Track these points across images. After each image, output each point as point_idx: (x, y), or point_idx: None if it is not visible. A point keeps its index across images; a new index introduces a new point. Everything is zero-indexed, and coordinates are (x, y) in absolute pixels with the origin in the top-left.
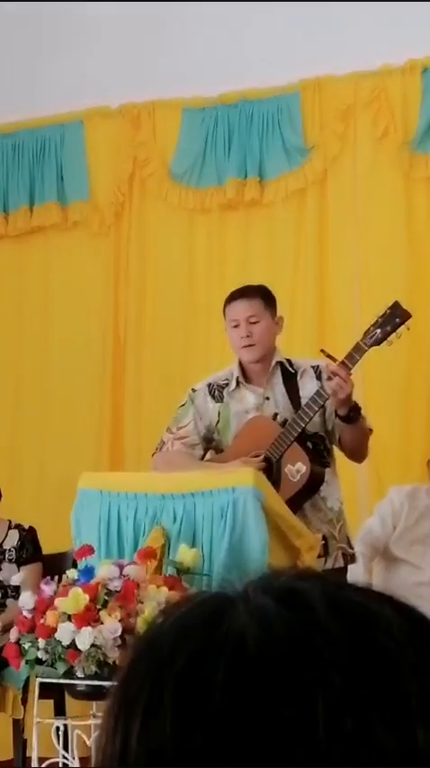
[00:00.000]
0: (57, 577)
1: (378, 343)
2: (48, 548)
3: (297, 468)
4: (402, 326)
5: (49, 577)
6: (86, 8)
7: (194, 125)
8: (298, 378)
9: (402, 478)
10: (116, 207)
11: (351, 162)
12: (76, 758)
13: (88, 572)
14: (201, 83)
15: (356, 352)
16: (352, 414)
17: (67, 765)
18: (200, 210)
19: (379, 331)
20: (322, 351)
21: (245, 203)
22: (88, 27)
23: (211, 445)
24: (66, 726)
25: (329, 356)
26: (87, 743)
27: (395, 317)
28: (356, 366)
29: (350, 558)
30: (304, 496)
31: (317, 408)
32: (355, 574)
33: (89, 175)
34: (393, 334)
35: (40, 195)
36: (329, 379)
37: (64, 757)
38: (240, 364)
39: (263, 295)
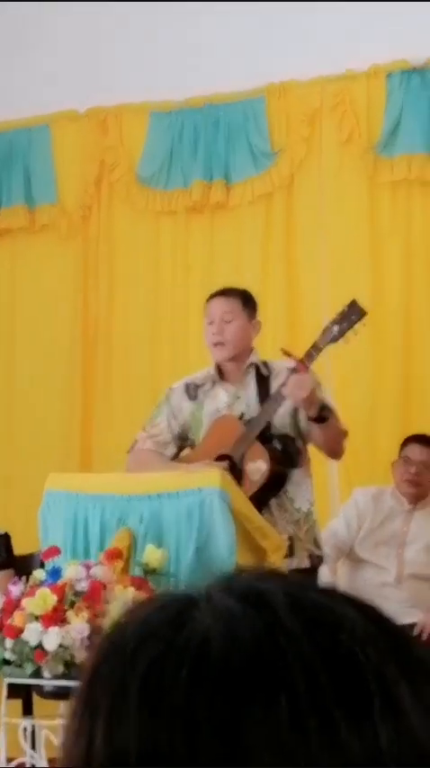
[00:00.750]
0: (24, 578)
1: (335, 340)
2: (16, 549)
3: (257, 467)
4: (358, 323)
5: (16, 578)
6: (53, 11)
7: (161, 129)
8: (271, 379)
9: (369, 480)
10: (84, 210)
11: (316, 166)
12: (44, 758)
13: (55, 573)
14: (167, 87)
15: (314, 350)
16: (322, 413)
17: (35, 765)
18: (166, 213)
19: (336, 328)
20: (282, 349)
21: (210, 206)
22: (55, 30)
23: (187, 443)
24: (33, 726)
25: (288, 354)
26: (55, 743)
27: (352, 315)
28: (313, 363)
29: (317, 560)
30: (266, 494)
31: (276, 407)
32: (322, 575)
33: (56, 179)
34: (349, 331)
35: (7, 198)
36: (283, 385)
37: (31, 757)
38: (217, 364)
39: (242, 296)
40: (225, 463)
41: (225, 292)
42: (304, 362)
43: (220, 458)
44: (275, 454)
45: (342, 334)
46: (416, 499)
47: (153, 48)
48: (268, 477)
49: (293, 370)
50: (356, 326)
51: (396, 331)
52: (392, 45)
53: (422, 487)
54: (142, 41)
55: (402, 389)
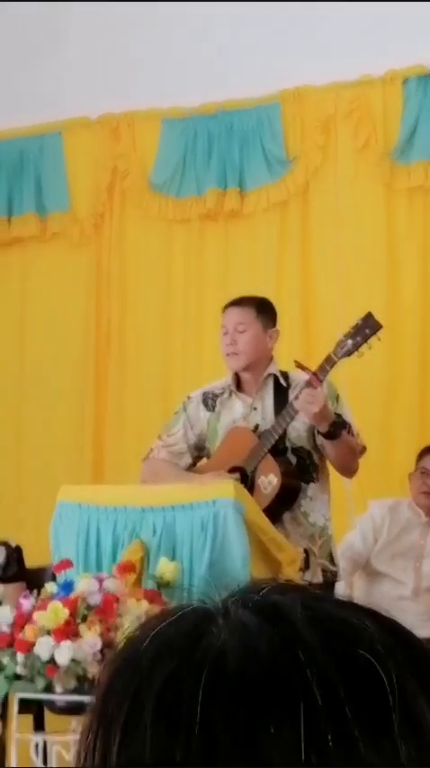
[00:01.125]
0: (36, 591)
1: (349, 353)
2: (27, 562)
3: (269, 480)
4: (373, 337)
5: (27, 591)
6: (66, 18)
7: (174, 135)
8: (290, 391)
9: (385, 492)
10: (96, 218)
11: (332, 173)
12: None
13: (67, 586)
14: (180, 93)
15: (328, 364)
16: (332, 429)
17: None
18: (179, 221)
19: (350, 342)
20: (295, 361)
21: (224, 214)
22: (67, 37)
23: (203, 453)
24: (45, 741)
25: (302, 367)
26: (66, 758)
27: (366, 328)
28: (328, 379)
29: (331, 575)
30: (278, 508)
31: (285, 424)
32: (338, 588)
33: (68, 186)
34: (364, 345)
35: (18, 206)
36: (296, 398)
37: None
38: (236, 374)
39: (257, 306)
40: (236, 475)
41: (239, 302)
42: (317, 376)
43: (233, 470)
44: (288, 468)
45: (356, 347)
46: None
47: (166, 54)
48: (279, 491)
49: (307, 384)
50: (371, 340)
51: (412, 339)
52: (408, 50)
53: None
54: (155, 47)
55: (418, 399)
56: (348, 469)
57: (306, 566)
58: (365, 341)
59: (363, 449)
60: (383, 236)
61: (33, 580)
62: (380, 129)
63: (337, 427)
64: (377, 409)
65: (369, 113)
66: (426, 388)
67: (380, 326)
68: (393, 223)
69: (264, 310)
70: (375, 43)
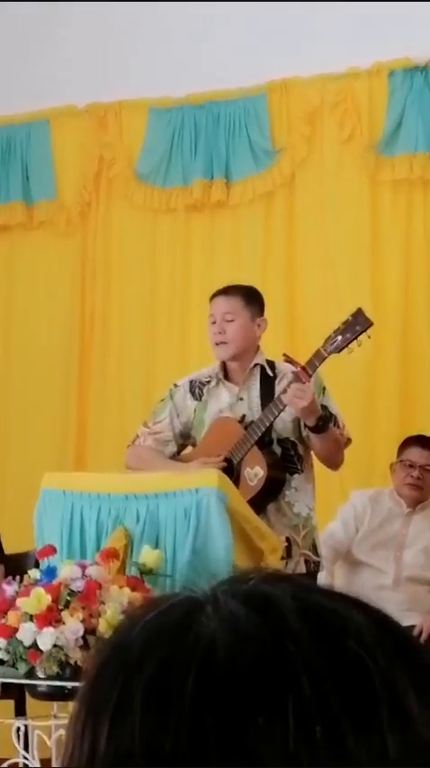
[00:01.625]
0: (19, 577)
1: (338, 350)
2: (10, 547)
3: (255, 472)
4: (363, 334)
5: (10, 577)
6: (53, 8)
7: (160, 125)
8: (276, 382)
9: (366, 482)
10: (82, 206)
11: (318, 165)
12: (37, 758)
13: (50, 572)
14: (167, 83)
15: (317, 359)
16: (320, 423)
17: (27, 766)
18: (165, 210)
19: (340, 338)
20: (284, 355)
21: (210, 204)
22: (55, 26)
23: (188, 441)
24: (26, 726)
25: (290, 360)
26: (48, 743)
27: (356, 325)
28: (316, 372)
29: (314, 565)
30: (263, 500)
31: (276, 412)
32: (319, 578)
33: (55, 175)
34: (354, 342)
35: (5, 194)
36: (284, 392)
37: (24, 758)
38: (223, 363)
39: (245, 294)
40: (221, 460)
41: (226, 291)
42: (306, 370)
43: (216, 459)
44: (274, 460)
45: (346, 344)
46: (416, 502)
47: (153, 43)
48: (265, 483)
49: (295, 377)
50: (361, 337)
51: (395, 330)
52: (395, 43)
53: (423, 491)
54: (142, 37)
55: (399, 391)
56: (334, 462)
57: (288, 554)
58: (355, 337)
59: (348, 441)
60: (368, 228)
61: (17, 566)
62: (365, 121)
63: (325, 421)
64: (359, 400)
65: (355, 105)
66: (408, 380)
67: (371, 323)
68: (377, 215)
69: (252, 299)
70: (362, 35)
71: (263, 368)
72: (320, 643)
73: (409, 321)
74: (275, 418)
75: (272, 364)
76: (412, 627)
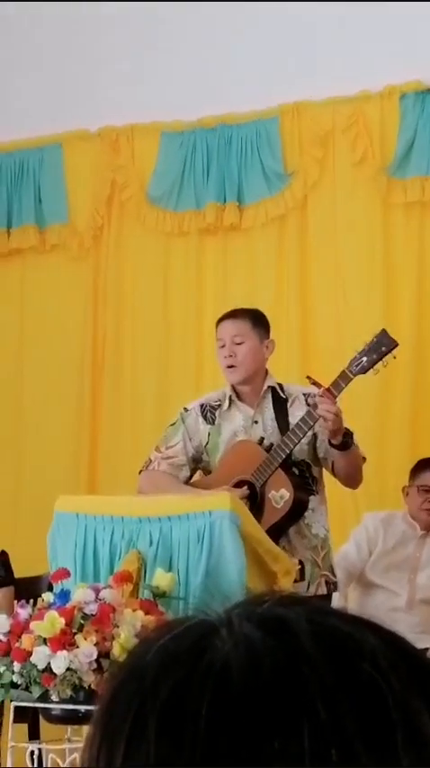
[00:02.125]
0: (32, 601)
1: (364, 371)
2: (23, 571)
3: (280, 495)
4: (389, 354)
5: (24, 601)
6: (65, 31)
7: (173, 149)
8: (288, 404)
9: (378, 505)
10: (94, 230)
11: (330, 187)
12: None
13: (64, 595)
14: (179, 107)
15: (342, 380)
16: (345, 440)
17: None
18: (177, 234)
19: (365, 359)
20: (308, 377)
21: (223, 228)
22: (69, 50)
23: (200, 466)
24: (40, 750)
25: (315, 383)
26: (62, 767)
27: (382, 346)
28: (341, 394)
29: (333, 586)
30: (288, 523)
31: (301, 435)
32: (334, 600)
33: (68, 198)
34: (379, 363)
35: (17, 218)
36: (315, 406)
37: None
38: (233, 386)
39: (252, 317)
40: (245, 490)
41: (234, 314)
42: (331, 391)
43: (239, 484)
44: (297, 482)
45: (372, 365)
46: (429, 525)
47: (166, 67)
48: (292, 506)
49: (334, 385)
50: (386, 358)
51: (407, 352)
52: (406, 66)
53: None
54: (155, 61)
55: (411, 412)
56: (355, 480)
57: (301, 577)
58: (381, 358)
59: (364, 459)
60: (380, 251)
61: (30, 589)
62: (377, 144)
63: (350, 437)
64: (371, 422)
65: (366, 128)
66: (420, 401)
67: (396, 344)
68: (390, 237)
69: (258, 322)
70: (373, 59)
71: (274, 390)
72: (335, 666)
73: (422, 342)
74: (301, 440)
75: (281, 387)
76: (426, 649)
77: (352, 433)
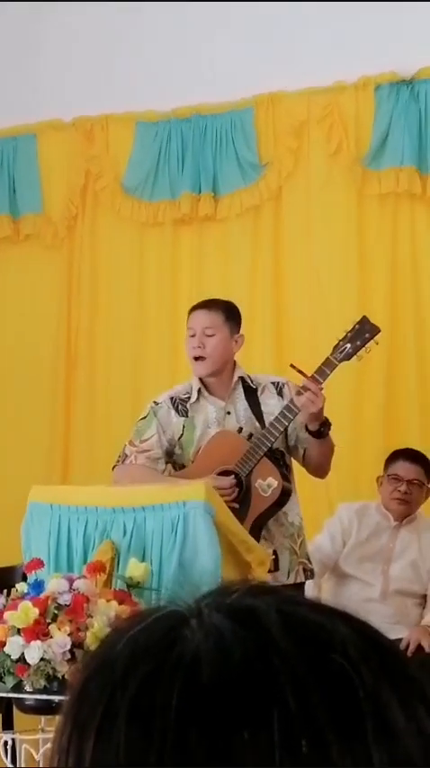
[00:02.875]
0: (6, 591)
1: (348, 357)
2: None
3: (268, 483)
4: (371, 341)
5: None
6: (40, 21)
7: (147, 139)
8: (259, 393)
9: (351, 496)
10: (69, 220)
11: (304, 178)
12: None
13: (38, 586)
14: (154, 97)
15: (327, 367)
16: (322, 429)
17: None
18: (152, 224)
19: (349, 346)
20: (292, 365)
21: (198, 218)
22: (43, 40)
23: (171, 459)
24: (14, 740)
25: (300, 371)
26: (35, 757)
27: (364, 332)
28: (326, 381)
29: (310, 573)
30: (273, 511)
31: (286, 422)
32: (307, 591)
33: (42, 188)
34: (362, 349)
35: None
36: (299, 393)
37: None
38: (200, 378)
39: (225, 310)
40: (232, 479)
41: (208, 304)
42: (316, 379)
43: (222, 474)
44: (281, 471)
45: (356, 351)
46: (404, 516)
47: (140, 57)
48: (280, 494)
49: (303, 388)
50: (369, 344)
51: (381, 343)
52: (381, 57)
53: (411, 505)
54: (130, 51)
55: (385, 403)
56: (325, 470)
57: (275, 567)
58: (365, 344)
59: (334, 448)
60: (354, 241)
61: (4, 580)
62: (352, 134)
63: (327, 426)
64: (345, 413)
65: (341, 119)
66: (394, 392)
67: (378, 330)
68: (364, 228)
69: (231, 315)
70: (348, 49)
71: (244, 380)
72: (305, 656)
73: (396, 333)
74: (287, 426)
75: (250, 377)
76: (399, 640)
77: (329, 423)
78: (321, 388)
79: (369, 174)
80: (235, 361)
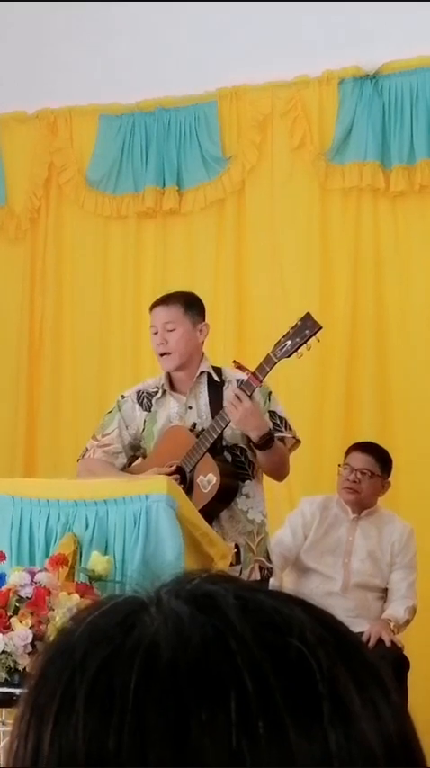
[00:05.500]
0: None
1: (288, 354)
2: None
3: (208, 479)
4: (312, 338)
5: None
6: (4, 12)
7: (111, 132)
8: (224, 388)
9: (312, 490)
10: (32, 213)
11: (268, 172)
12: None
13: None
14: (118, 90)
15: (267, 364)
16: (261, 441)
17: None
18: (116, 217)
19: (289, 342)
20: (234, 362)
21: (162, 212)
22: (5, 31)
23: (139, 453)
24: None
25: (240, 367)
26: None
27: (305, 329)
28: (266, 377)
29: (268, 572)
30: (216, 507)
31: (224, 423)
32: (271, 586)
33: (5, 180)
34: (303, 346)
35: None
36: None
37: None
38: (168, 373)
39: (184, 302)
40: (175, 474)
41: (165, 300)
42: (257, 375)
43: (168, 468)
44: (226, 467)
45: (295, 348)
46: (360, 508)
47: (104, 49)
48: (218, 491)
49: (245, 383)
50: (310, 341)
51: (343, 337)
52: (345, 51)
53: (359, 495)
54: (93, 43)
55: (346, 397)
56: (279, 475)
57: (237, 560)
58: (305, 342)
59: (298, 442)
60: (317, 236)
61: None
62: (315, 129)
63: (269, 440)
64: (306, 407)
65: (305, 113)
66: (354, 387)
67: (320, 327)
68: (327, 222)
69: (191, 305)
70: (312, 44)
71: (209, 375)
72: (262, 640)
73: (356, 328)
74: (227, 425)
75: (219, 371)
76: (360, 633)
77: (273, 436)
78: (259, 384)
79: (332, 168)
80: (203, 354)
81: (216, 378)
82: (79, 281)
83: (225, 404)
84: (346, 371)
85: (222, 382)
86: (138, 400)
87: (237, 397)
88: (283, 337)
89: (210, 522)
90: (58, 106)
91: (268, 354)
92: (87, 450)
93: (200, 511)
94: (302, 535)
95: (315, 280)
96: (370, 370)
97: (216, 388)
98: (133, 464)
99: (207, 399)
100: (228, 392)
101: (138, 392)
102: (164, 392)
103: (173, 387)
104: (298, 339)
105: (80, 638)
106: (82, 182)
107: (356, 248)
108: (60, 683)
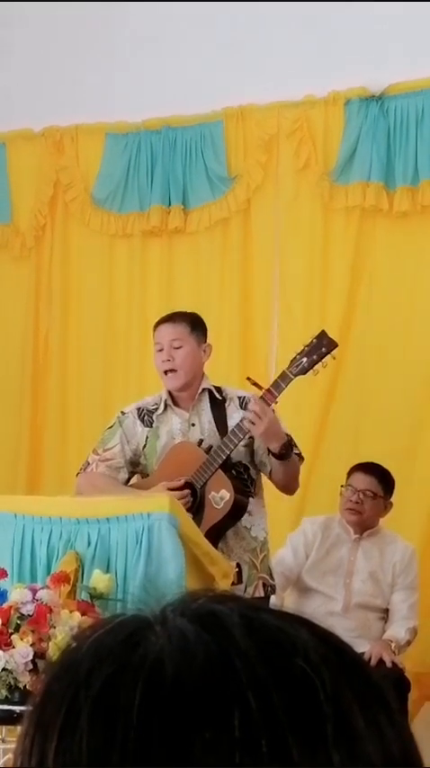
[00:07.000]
0: None
1: (304, 372)
2: None
3: (221, 496)
4: (328, 356)
5: None
6: (11, 29)
7: (117, 150)
8: (226, 405)
9: (315, 510)
10: (37, 230)
11: (273, 192)
12: None
13: (0, 595)
14: (124, 108)
15: (282, 381)
16: (283, 450)
17: None
18: (121, 236)
19: (305, 360)
20: (248, 378)
21: (167, 231)
22: (13, 49)
23: (137, 469)
24: None
25: (255, 384)
26: None
27: (321, 347)
28: (281, 394)
29: (271, 589)
30: (227, 524)
31: (237, 440)
32: (270, 604)
33: (11, 198)
34: (319, 364)
35: None
36: (244, 418)
37: None
38: (169, 390)
39: (190, 321)
40: (185, 491)
41: (172, 317)
42: (272, 393)
43: (177, 483)
44: (237, 484)
45: (312, 366)
46: (362, 528)
47: (111, 68)
48: (232, 506)
49: (261, 399)
50: (326, 359)
51: (348, 357)
52: (351, 72)
53: (362, 516)
54: (100, 62)
55: (352, 417)
56: (292, 488)
57: (239, 579)
58: (321, 359)
59: (302, 458)
60: (320, 255)
61: None
62: (320, 149)
63: (289, 448)
64: (311, 428)
65: (310, 133)
66: (361, 406)
67: (336, 345)
68: (331, 242)
69: (196, 326)
70: (319, 64)
71: (211, 392)
72: (267, 659)
73: (362, 347)
74: (241, 441)
75: (218, 389)
76: (361, 654)
77: (292, 445)
78: (271, 406)
79: (336, 188)
80: (203, 373)
81: (217, 395)
82: (84, 300)
83: (243, 419)
84: (352, 390)
85: (224, 399)
86: (139, 416)
87: (258, 411)
88: (299, 354)
89: (218, 538)
90: (64, 124)
91: (284, 371)
92: (89, 464)
93: (212, 527)
94: (304, 554)
95: (318, 299)
96: (376, 388)
97: (218, 406)
98: (139, 480)
99: (211, 416)
100: (232, 408)
101: (139, 409)
102: (165, 408)
103: (174, 403)
104: (314, 356)
105: (85, 655)
106: (87, 200)
107: (360, 268)
108: (65, 700)
